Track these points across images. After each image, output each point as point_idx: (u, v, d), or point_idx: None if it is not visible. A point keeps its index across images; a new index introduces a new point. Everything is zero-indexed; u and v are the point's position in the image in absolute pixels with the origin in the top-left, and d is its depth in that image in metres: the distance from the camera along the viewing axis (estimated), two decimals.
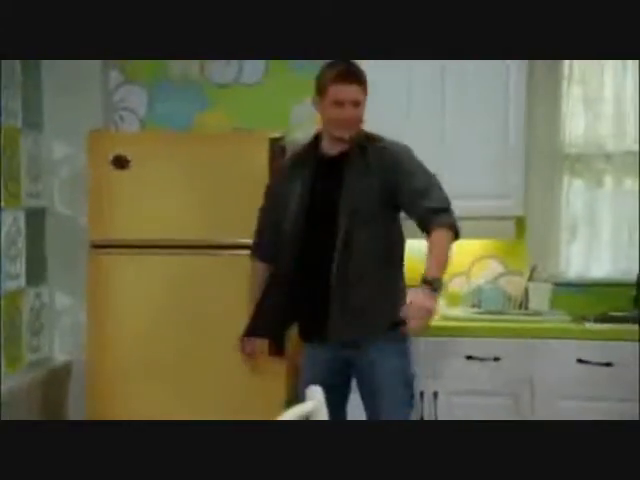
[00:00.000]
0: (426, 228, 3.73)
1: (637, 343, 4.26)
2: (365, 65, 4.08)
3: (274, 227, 3.90)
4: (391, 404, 3.81)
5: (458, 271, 4.99)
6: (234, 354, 4.21)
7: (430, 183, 3.82)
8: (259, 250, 4.03)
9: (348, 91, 3.64)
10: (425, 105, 4.69)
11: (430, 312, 3.54)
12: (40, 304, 4.84)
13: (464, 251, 4.90)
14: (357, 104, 3.66)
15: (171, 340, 4.40)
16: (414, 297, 3.53)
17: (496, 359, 4.37)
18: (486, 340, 4.42)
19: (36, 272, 4.83)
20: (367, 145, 3.75)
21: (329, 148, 3.76)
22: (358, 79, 3.67)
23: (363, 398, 3.88)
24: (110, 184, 4.39)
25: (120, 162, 4.34)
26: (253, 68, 5.04)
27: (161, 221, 4.40)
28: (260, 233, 4.03)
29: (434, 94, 4.69)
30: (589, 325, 4.49)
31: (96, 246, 4.39)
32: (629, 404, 4.15)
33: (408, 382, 3.85)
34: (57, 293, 4.94)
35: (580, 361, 4.28)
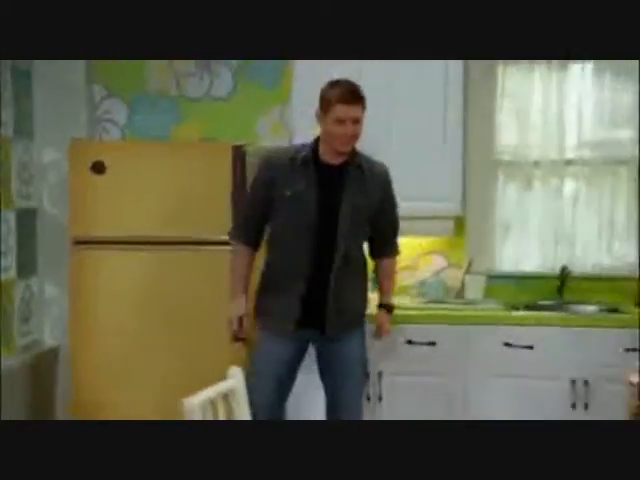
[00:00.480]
0: (383, 254, 4.00)
1: (557, 327, 4.32)
2: (318, 66, 4.28)
3: (262, 216, 3.84)
4: (352, 383, 3.92)
5: (406, 265, 4.99)
6: (207, 342, 4.28)
7: (397, 213, 3.99)
8: (245, 234, 3.92)
9: (351, 110, 3.63)
10: (374, 115, 4.66)
11: (389, 331, 4.09)
12: (30, 294, 4.84)
13: (411, 247, 4.95)
14: (357, 121, 3.66)
15: (146, 328, 4.39)
16: (382, 320, 4.04)
17: (433, 343, 4.39)
18: (425, 326, 4.44)
19: (27, 265, 4.83)
20: (361, 162, 3.77)
21: (329, 158, 3.74)
22: (360, 99, 3.67)
23: (324, 379, 3.92)
24: (89, 187, 4.38)
25: (98, 168, 4.34)
26: (222, 83, 5.06)
27: (134, 220, 4.39)
28: (247, 219, 3.93)
29: (383, 106, 4.62)
30: (515, 313, 4.52)
31: (77, 242, 4.38)
32: (548, 382, 4.23)
33: (365, 365, 3.98)
34: (46, 284, 4.94)
35: (506, 344, 4.32)
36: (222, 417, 2.61)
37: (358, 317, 3.91)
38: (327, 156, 3.73)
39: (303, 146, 3.81)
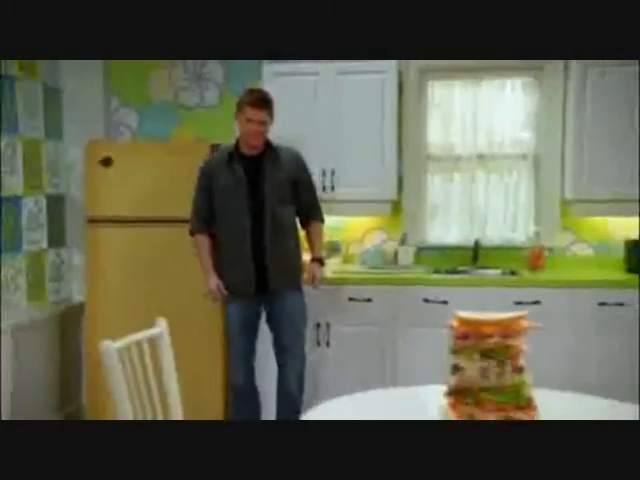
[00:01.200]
0: (307, 219, 4.15)
1: (467, 287, 4.49)
2: (279, 68, 4.60)
3: (209, 209, 4.06)
4: (294, 331, 4.11)
5: (354, 239, 5.17)
6: (188, 295, 4.48)
7: (313, 187, 4.17)
8: (198, 226, 4.13)
9: (258, 113, 3.87)
10: (326, 112, 4.81)
11: (322, 278, 4.21)
12: (60, 260, 5.07)
13: (359, 224, 5.15)
14: (263, 123, 3.89)
15: (144, 285, 4.59)
16: (313, 270, 4.16)
17: (370, 300, 4.56)
18: (365, 287, 4.58)
19: (57, 238, 5.05)
20: (276, 148, 4.00)
21: (246, 151, 3.98)
22: (266, 105, 3.90)
23: (272, 330, 4.13)
24: (100, 177, 4.59)
25: (106, 162, 4.56)
26: (211, 95, 5.23)
27: (135, 202, 4.58)
28: (197, 213, 4.11)
29: (333, 105, 4.79)
30: (435, 275, 4.68)
31: (91, 221, 4.61)
32: None
33: (304, 317, 4.17)
34: (74, 253, 5.15)
35: (425, 300, 4.50)
36: (148, 360, 2.60)
37: (294, 276, 4.09)
38: (245, 149, 3.97)
39: (230, 145, 4.06)
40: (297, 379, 4.14)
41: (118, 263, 4.65)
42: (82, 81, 5.14)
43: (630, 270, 4.70)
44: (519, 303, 4.40)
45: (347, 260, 5.13)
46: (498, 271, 4.83)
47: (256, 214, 3.95)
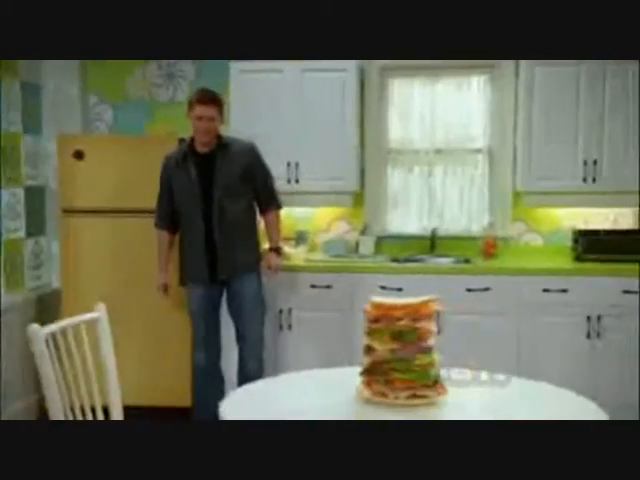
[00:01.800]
0: (264, 208, 4.22)
1: (421, 275, 4.58)
2: (245, 66, 4.66)
3: (170, 204, 4.17)
4: (251, 316, 4.21)
5: (320, 228, 5.27)
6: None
7: (269, 177, 4.23)
8: (161, 221, 4.25)
9: (206, 110, 3.95)
10: (291, 108, 4.88)
11: (279, 267, 4.28)
12: (39, 249, 5.17)
13: (325, 215, 5.25)
14: (212, 119, 3.96)
15: (115, 273, 4.69)
16: (270, 259, 4.21)
17: (330, 286, 4.65)
18: (325, 274, 4.67)
19: (37, 228, 5.14)
20: (229, 143, 4.08)
21: (200, 148, 4.06)
22: (214, 103, 3.98)
23: (233, 312, 4.24)
24: (72, 169, 4.67)
25: (78, 155, 4.65)
26: (182, 91, 5.31)
27: (108, 194, 4.66)
28: (160, 209, 4.23)
29: (297, 101, 4.87)
30: (391, 264, 4.78)
31: (64, 211, 4.71)
32: None
33: (262, 302, 4.27)
34: (52, 242, 5.23)
35: (382, 287, 4.54)
36: (86, 344, 2.62)
37: (247, 264, 4.17)
38: (198, 147, 4.06)
39: (185, 143, 4.14)
40: (255, 362, 4.26)
41: (92, 252, 4.74)
42: (61, 78, 5.23)
43: (577, 259, 4.81)
44: (470, 290, 4.54)
45: (312, 249, 5.23)
46: (452, 259, 4.93)
47: (207, 210, 4.06)
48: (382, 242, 5.23)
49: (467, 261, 4.86)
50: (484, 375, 2.77)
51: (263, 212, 4.29)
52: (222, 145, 4.07)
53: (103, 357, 2.74)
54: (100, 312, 2.71)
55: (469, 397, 2.56)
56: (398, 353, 2.41)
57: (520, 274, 4.56)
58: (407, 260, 4.94)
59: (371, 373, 2.46)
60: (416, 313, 2.43)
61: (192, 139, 4.10)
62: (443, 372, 2.52)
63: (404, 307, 2.42)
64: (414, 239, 5.20)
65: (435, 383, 2.43)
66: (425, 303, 2.44)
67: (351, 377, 2.57)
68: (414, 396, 2.40)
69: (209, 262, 4.11)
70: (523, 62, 4.77)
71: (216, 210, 4.04)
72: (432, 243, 5.10)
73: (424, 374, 2.41)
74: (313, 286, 4.70)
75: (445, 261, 4.92)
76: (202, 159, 4.07)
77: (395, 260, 4.91)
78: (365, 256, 5.04)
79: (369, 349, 2.46)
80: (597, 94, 4.66)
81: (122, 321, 4.57)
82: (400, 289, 4.53)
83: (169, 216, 4.22)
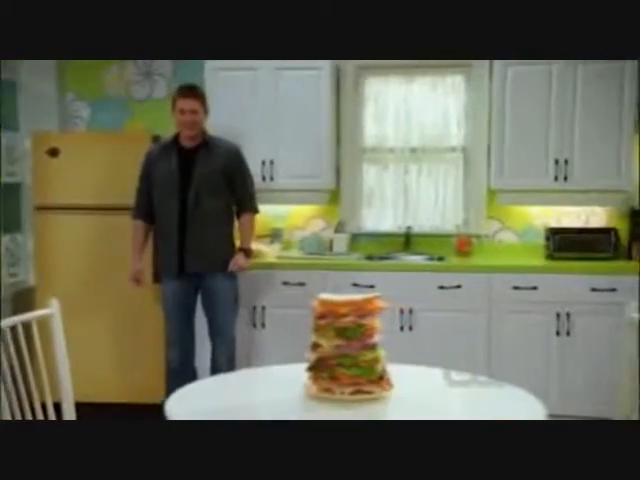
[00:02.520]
0: (240, 210, 4.20)
1: (393, 272, 4.57)
2: (220, 63, 4.62)
3: (148, 195, 4.15)
4: (223, 311, 4.19)
5: (296, 226, 5.22)
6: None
7: (247, 181, 4.21)
8: (138, 212, 4.21)
9: (188, 103, 3.98)
10: (266, 106, 4.85)
11: (244, 268, 4.20)
12: (15, 245, 5.13)
13: (300, 213, 5.21)
14: (195, 112, 3.98)
15: (89, 270, 4.69)
16: (236, 259, 4.13)
17: (303, 284, 4.61)
18: (298, 272, 4.64)
19: (13, 224, 5.09)
20: (212, 142, 4.08)
21: (184, 142, 4.07)
22: (195, 95, 4.00)
23: (206, 309, 4.21)
24: (46, 166, 4.66)
25: (53, 152, 4.64)
26: (160, 88, 5.28)
27: (80, 191, 4.66)
28: (138, 200, 4.20)
29: (272, 99, 4.83)
30: (364, 261, 4.76)
31: (38, 208, 4.70)
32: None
33: (235, 298, 4.24)
34: (29, 239, 5.14)
35: (354, 284, 4.52)
36: (37, 340, 2.61)
37: (219, 260, 4.13)
38: (183, 141, 4.06)
39: (170, 137, 4.14)
40: (227, 360, 4.23)
41: (66, 249, 4.72)
42: (38, 76, 5.20)
43: (549, 256, 4.79)
44: (442, 287, 4.52)
45: (287, 247, 5.20)
46: (424, 257, 4.91)
47: (183, 201, 4.04)
48: (357, 240, 5.20)
49: (440, 259, 4.84)
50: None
51: (238, 214, 4.26)
52: (207, 142, 4.08)
53: (56, 354, 2.72)
54: (54, 308, 2.69)
55: (414, 393, 2.54)
56: (343, 349, 2.38)
57: (491, 271, 4.54)
58: (381, 258, 4.91)
59: (317, 369, 2.43)
60: (361, 310, 2.40)
61: (177, 135, 4.11)
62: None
63: (349, 304, 2.40)
64: (389, 237, 5.17)
65: (380, 379, 2.41)
66: (370, 300, 2.42)
67: (298, 373, 2.54)
68: (359, 392, 2.38)
69: (179, 252, 4.08)
70: (497, 62, 4.73)
71: (192, 202, 4.03)
72: (407, 241, 5.08)
73: (369, 370, 2.39)
74: (286, 283, 4.67)
75: (418, 259, 4.89)
76: (186, 152, 4.08)
77: (369, 258, 4.89)
78: (339, 254, 5.00)
79: (315, 346, 2.44)
80: (568, 94, 4.63)
81: (96, 317, 4.72)
82: (372, 286, 4.48)
83: (145, 206, 4.19)
